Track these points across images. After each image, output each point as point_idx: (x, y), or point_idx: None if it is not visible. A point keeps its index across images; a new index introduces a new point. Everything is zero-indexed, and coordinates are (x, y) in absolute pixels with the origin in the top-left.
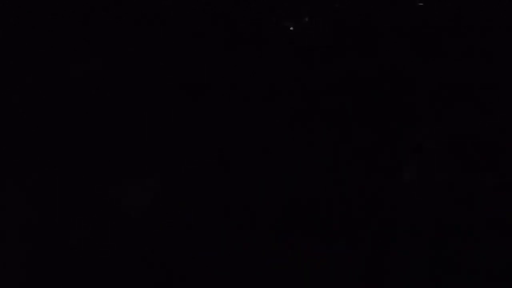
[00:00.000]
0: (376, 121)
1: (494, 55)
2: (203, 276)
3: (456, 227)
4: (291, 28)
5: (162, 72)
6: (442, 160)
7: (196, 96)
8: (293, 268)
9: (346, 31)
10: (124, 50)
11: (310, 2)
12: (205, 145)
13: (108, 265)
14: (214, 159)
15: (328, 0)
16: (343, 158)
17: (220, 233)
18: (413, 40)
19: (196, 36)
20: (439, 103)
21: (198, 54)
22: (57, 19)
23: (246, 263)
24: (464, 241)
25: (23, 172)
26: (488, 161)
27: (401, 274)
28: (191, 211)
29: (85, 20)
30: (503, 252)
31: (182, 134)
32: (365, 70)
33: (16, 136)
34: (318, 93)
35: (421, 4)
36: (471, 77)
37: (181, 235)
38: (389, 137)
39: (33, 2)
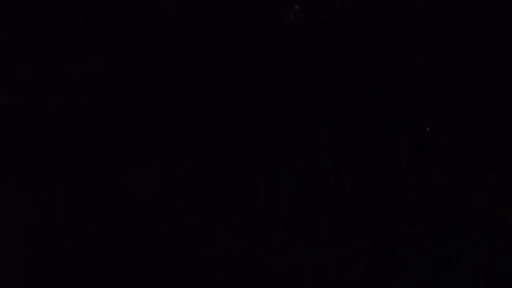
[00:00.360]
0: (376, 121)
1: (494, 55)
2: (203, 276)
3: (456, 227)
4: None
5: (162, 71)
6: (442, 160)
7: (196, 96)
8: (293, 268)
9: (346, 31)
10: (125, 49)
11: (310, 1)
12: (205, 144)
13: (106, 264)
14: (214, 159)
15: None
16: (343, 158)
17: (220, 233)
18: (413, 40)
19: (196, 36)
20: (439, 102)
21: (198, 53)
22: (57, 19)
23: (246, 263)
24: (464, 241)
25: (26, 167)
26: (488, 161)
27: (401, 274)
28: (191, 210)
29: (85, 20)
30: (503, 252)
31: (182, 133)
32: (365, 70)
33: (19, 132)
34: (318, 93)
35: None
36: (471, 77)
37: (180, 234)
38: (389, 137)
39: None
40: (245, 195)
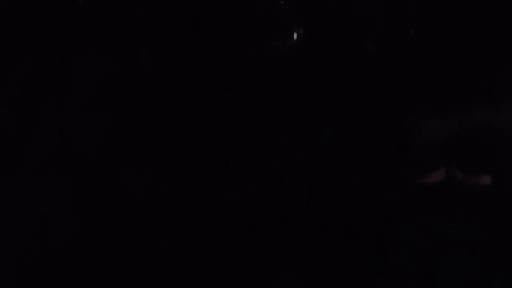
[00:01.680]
0: (372, 120)
1: (493, 53)
2: (202, 276)
3: (454, 227)
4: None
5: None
6: (438, 159)
7: (196, 95)
8: (293, 268)
9: (340, 30)
10: (125, 48)
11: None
12: (204, 144)
13: (101, 263)
14: (212, 158)
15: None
16: (336, 158)
17: (218, 233)
18: (407, 38)
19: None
20: (435, 100)
21: (199, 52)
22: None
23: (245, 263)
24: (463, 241)
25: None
26: (487, 161)
27: (400, 274)
28: (190, 210)
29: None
30: (503, 252)
31: (182, 133)
32: (357, 68)
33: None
34: (309, 91)
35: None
36: (467, 74)
37: (179, 234)
38: (384, 136)
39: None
40: (244, 195)
